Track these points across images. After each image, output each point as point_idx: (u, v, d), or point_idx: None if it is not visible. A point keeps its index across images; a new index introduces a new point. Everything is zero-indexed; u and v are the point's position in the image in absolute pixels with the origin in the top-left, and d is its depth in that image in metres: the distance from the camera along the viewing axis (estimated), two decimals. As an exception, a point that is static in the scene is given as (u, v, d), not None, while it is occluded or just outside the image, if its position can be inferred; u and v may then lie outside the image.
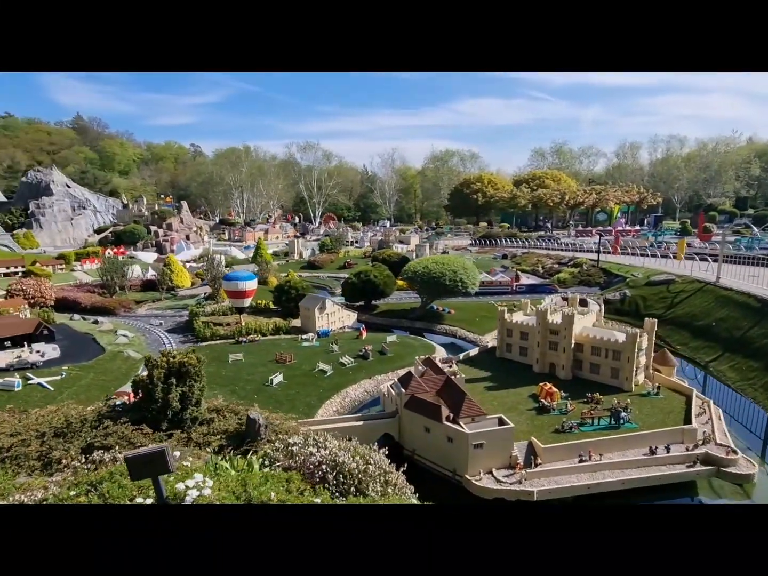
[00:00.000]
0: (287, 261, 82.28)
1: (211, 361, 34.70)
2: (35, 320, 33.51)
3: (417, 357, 33.52)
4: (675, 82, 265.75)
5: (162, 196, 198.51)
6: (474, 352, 37.01)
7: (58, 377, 28.21)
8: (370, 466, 16.45)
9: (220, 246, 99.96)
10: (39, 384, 27.06)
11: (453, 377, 26.50)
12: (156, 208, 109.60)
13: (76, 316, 41.47)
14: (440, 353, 38.56)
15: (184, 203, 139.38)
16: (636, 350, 29.41)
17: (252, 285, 42.10)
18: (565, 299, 42.21)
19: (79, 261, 65.04)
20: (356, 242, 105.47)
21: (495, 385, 30.73)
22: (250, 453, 17.12)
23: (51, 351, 31.74)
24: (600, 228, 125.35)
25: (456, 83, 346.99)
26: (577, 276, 61.71)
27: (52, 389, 26.67)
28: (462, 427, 22.46)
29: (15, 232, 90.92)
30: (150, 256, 76.41)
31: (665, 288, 48.52)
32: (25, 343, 31.66)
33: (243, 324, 41.79)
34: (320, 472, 15.29)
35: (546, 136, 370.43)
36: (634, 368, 29.36)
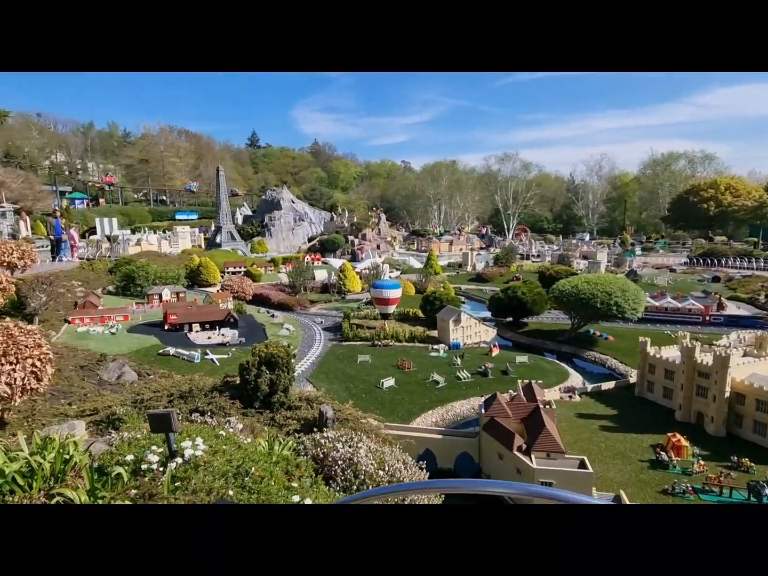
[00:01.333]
0: (457, 273, 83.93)
1: (344, 359, 39.05)
2: (226, 310, 43.24)
3: (520, 381, 31.38)
4: None
5: (374, 208, 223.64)
6: (609, 385, 32.30)
7: (226, 356, 36.11)
8: (381, 472, 17.63)
9: (404, 256, 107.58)
10: (211, 359, 35.29)
11: (547, 407, 24.25)
12: (355, 219, 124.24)
13: (262, 310, 51.48)
14: (574, 381, 34.86)
15: (382, 215, 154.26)
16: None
17: (395, 293, 45.28)
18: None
19: (284, 264, 79.32)
20: (537, 256, 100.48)
21: (613, 426, 26.53)
22: (285, 434, 19.71)
23: (232, 335, 40.61)
24: None
25: (698, 73, 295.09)
26: (810, 309, 46.96)
27: (218, 364, 34.42)
28: (531, 461, 20.62)
29: (254, 239, 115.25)
30: (339, 262, 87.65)
31: None
32: (216, 327, 41.42)
33: (386, 329, 45.34)
34: (336, 467, 17.24)
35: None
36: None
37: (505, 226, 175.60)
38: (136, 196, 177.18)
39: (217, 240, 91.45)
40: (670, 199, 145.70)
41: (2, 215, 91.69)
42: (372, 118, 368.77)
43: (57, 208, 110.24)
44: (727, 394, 24.82)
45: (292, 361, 24.51)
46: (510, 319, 49.80)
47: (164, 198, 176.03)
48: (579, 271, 66.60)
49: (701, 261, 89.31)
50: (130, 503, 5.81)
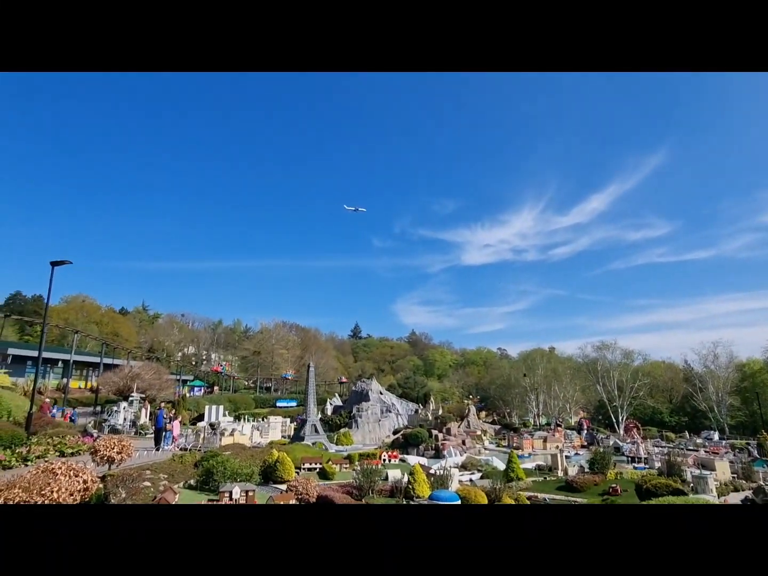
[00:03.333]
0: (545, 478, 75.81)
1: None
2: (278, 515, 43.25)
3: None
4: None
5: (470, 396, 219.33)
6: None
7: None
8: None
9: (493, 452, 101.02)
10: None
11: None
12: (440, 412, 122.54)
13: (320, 514, 50.16)
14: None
15: (472, 407, 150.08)
16: None
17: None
18: None
19: (359, 461, 78.55)
20: (643, 460, 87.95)
21: None
22: None
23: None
24: None
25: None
26: None
27: None
28: None
29: (340, 431, 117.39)
30: (417, 460, 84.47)
31: None
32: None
33: (444, 548, 41.36)
34: None
35: None
36: None
37: (614, 420, 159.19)
38: (246, 383, 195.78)
39: (301, 433, 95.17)
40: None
41: (130, 404, 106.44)
42: (468, 308, 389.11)
43: (176, 396, 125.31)
44: None
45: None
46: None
47: (269, 386, 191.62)
48: (680, 487, 56.80)
49: None
50: (130, 503, 5.60)
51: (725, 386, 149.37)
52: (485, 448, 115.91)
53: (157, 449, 75.68)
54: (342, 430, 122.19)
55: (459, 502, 43.60)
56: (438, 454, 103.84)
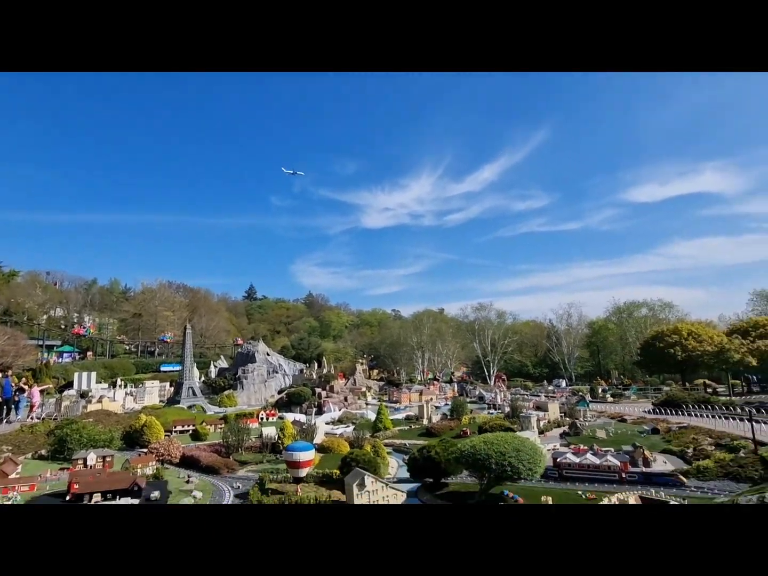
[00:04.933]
0: (410, 427, 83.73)
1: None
2: (130, 478, 43.54)
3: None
4: None
5: (364, 356, 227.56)
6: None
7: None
8: None
9: (370, 409, 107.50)
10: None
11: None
12: (325, 371, 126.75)
13: (183, 474, 51.28)
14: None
15: (358, 366, 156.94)
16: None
17: (307, 456, 45.86)
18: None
19: (234, 421, 79.94)
20: (498, 406, 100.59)
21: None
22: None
23: (127, 505, 40.37)
24: None
25: (665, 227, 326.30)
26: (725, 465, 46.55)
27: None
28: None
29: (225, 392, 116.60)
30: (296, 417, 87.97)
31: (826, 498, 33.33)
32: (118, 496, 41.38)
33: (299, 493, 45.06)
34: None
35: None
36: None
37: (486, 374, 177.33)
38: (127, 347, 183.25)
39: (177, 397, 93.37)
40: (638, 345, 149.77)
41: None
42: (368, 270, 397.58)
43: (39, 363, 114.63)
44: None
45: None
46: (431, 480, 49.39)
47: (153, 350, 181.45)
48: (511, 426, 66.91)
49: (662, 410, 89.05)
50: (129, 503, 5.60)
51: (575, 341, 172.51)
52: (367, 403, 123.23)
53: (8, 421, 70.14)
54: (226, 392, 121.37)
55: (311, 452, 47.30)
56: (320, 411, 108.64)
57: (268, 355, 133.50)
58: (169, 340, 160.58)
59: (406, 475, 52.14)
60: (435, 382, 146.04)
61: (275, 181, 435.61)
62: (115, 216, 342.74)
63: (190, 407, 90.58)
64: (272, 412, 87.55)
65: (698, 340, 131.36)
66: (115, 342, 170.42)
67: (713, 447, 53.72)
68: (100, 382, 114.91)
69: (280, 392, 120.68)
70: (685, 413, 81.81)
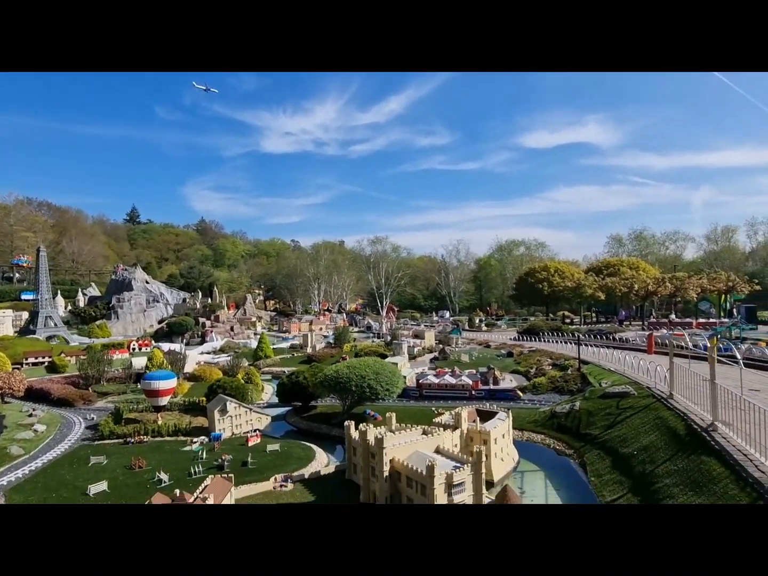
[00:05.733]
0: (293, 355, 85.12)
1: (76, 462, 36.27)
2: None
3: (275, 476, 32.56)
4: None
5: (261, 286, 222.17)
6: (329, 470, 34.28)
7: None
8: None
9: (244, 339, 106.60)
10: None
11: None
12: (210, 301, 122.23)
13: (27, 407, 47.62)
14: (318, 465, 36.42)
15: (249, 296, 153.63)
16: (441, 484, 25.18)
17: (167, 384, 44.74)
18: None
19: (101, 351, 74.87)
20: (383, 335, 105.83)
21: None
22: None
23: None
24: (678, 319, 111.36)
25: (548, 173, 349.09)
26: (555, 381, 54.54)
27: None
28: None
29: (97, 322, 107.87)
30: (172, 347, 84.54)
31: (616, 402, 40.75)
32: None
33: (158, 422, 44.24)
34: None
35: (652, 219, 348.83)
36: (436, 510, 24.98)
37: (379, 305, 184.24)
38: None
39: (32, 326, 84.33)
40: (514, 280, 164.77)
41: None
42: (266, 198, 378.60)
43: None
44: (386, 473, 27.72)
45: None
46: (300, 404, 51.23)
47: (11, 275, 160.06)
48: (383, 351, 71.09)
49: (525, 337, 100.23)
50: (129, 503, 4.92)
51: (461, 276, 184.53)
52: (255, 333, 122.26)
53: None
54: (98, 322, 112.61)
55: (173, 380, 46.01)
56: (204, 341, 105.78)
57: (147, 283, 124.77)
58: (26, 264, 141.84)
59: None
60: (326, 313, 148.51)
61: (159, 88, 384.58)
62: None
63: (49, 338, 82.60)
64: (145, 342, 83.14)
65: (562, 277, 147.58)
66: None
67: (551, 366, 62.08)
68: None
69: (160, 322, 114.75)
70: (540, 340, 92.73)
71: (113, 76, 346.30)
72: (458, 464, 27.06)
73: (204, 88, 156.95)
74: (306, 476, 33.03)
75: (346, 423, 33.66)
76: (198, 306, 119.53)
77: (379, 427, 32.52)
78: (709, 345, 29.33)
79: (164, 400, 45.10)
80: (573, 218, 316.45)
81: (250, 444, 39.51)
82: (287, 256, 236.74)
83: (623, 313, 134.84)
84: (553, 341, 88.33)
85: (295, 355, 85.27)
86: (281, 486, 31.54)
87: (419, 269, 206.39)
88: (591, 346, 65.97)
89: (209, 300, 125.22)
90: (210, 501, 24.33)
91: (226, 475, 28.82)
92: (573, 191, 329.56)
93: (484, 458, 33.51)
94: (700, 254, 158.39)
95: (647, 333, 74.14)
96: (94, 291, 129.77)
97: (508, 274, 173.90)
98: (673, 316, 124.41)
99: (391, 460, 27.97)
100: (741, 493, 20.16)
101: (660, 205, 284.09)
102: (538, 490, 34.83)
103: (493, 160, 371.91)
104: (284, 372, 72.58)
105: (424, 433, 31.29)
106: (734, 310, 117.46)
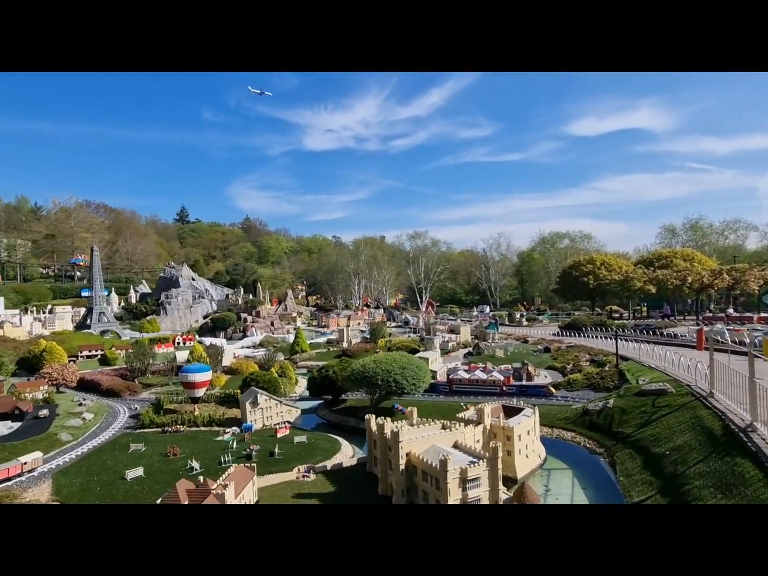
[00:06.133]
0: (329, 350, 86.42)
1: (117, 449, 38.71)
2: (11, 401, 42.85)
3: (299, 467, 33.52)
4: None
5: (304, 282, 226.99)
6: (352, 462, 34.69)
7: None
8: None
9: (283, 334, 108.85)
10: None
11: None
12: (251, 297, 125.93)
13: (78, 397, 50.93)
14: (343, 457, 37.01)
15: (290, 291, 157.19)
16: (455, 479, 24.93)
17: (203, 377, 46.69)
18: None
19: (148, 345, 78.96)
20: (419, 330, 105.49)
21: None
22: None
23: (4, 429, 40.04)
24: (736, 314, 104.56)
25: (596, 162, 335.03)
26: (590, 378, 52.49)
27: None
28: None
29: (147, 318, 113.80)
30: (216, 341, 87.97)
31: (652, 400, 38.74)
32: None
33: (195, 413, 46.30)
34: None
35: (712, 208, 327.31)
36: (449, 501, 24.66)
37: (419, 300, 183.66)
38: (43, 271, 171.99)
39: (87, 322, 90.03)
40: (558, 274, 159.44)
41: None
42: (309, 195, 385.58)
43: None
44: (402, 467, 27.74)
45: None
46: (330, 397, 52.08)
47: (72, 274, 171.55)
48: (415, 346, 70.80)
49: (566, 332, 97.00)
50: (129, 503, 5.08)
51: (502, 270, 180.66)
52: (295, 328, 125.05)
53: None
54: (148, 318, 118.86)
55: (208, 373, 47.71)
56: (245, 336, 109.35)
57: (193, 280, 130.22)
58: (82, 263, 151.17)
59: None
60: (365, 309, 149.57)
61: (204, 92, 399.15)
62: (8, 122, 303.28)
63: (103, 333, 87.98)
64: (189, 336, 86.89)
65: (609, 270, 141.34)
66: (27, 265, 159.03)
67: (588, 363, 59.85)
68: (10, 308, 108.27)
69: (205, 318, 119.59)
70: (583, 335, 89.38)
71: (157, 81, 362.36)
72: (475, 460, 26.73)
73: (259, 92, 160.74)
74: (328, 468, 33.68)
75: (366, 416, 33.96)
76: (240, 302, 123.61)
77: (399, 422, 32.65)
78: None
79: (200, 392, 47.16)
80: (624, 208, 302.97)
81: (279, 435, 40.65)
82: (328, 253, 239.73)
83: (667, 307, 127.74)
84: (594, 337, 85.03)
85: (331, 349, 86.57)
86: (303, 476, 32.31)
87: (460, 264, 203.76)
88: (633, 341, 62.95)
89: (250, 296, 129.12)
90: (231, 489, 25.30)
91: (249, 465, 29.87)
92: (623, 180, 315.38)
93: (507, 455, 33.05)
94: (765, 243, 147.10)
95: (697, 328, 70.03)
96: (145, 288, 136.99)
97: (551, 267, 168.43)
98: (731, 310, 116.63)
99: (407, 454, 28.01)
100: (770, 498, 18.85)
101: (721, 192, 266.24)
102: (564, 489, 33.81)
103: (537, 150, 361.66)
104: (319, 366, 74.14)
105: (443, 427, 31.12)
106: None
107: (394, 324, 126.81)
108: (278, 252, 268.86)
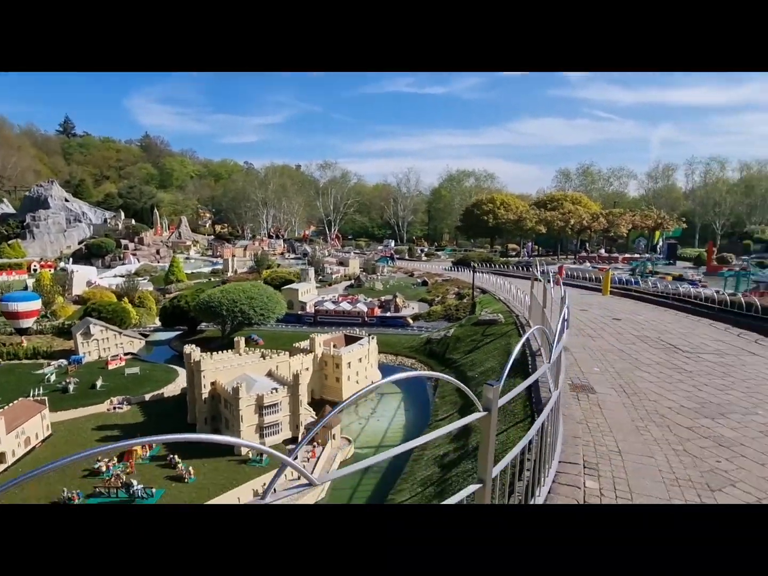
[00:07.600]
0: (209, 279, 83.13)
1: None
2: None
3: (111, 398, 31.90)
4: (760, 100, 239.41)
5: (211, 209, 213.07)
6: (175, 392, 34.15)
7: None
8: None
9: (192, 263, 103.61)
10: None
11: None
12: (133, 222, 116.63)
13: None
14: (175, 388, 36.21)
15: (184, 218, 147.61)
16: (250, 406, 25.21)
17: (29, 306, 42.49)
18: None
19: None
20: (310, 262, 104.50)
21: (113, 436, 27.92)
22: None
23: None
24: (606, 254, 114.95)
25: (515, 103, 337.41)
26: (448, 309, 55.38)
27: None
28: None
29: (10, 242, 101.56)
30: (89, 269, 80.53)
31: (483, 329, 41.80)
32: None
33: (24, 344, 42.59)
34: None
35: (614, 157, 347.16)
36: (241, 430, 25.05)
37: (328, 233, 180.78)
38: None
39: None
40: (461, 211, 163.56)
41: None
42: (220, 114, 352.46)
43: None
44: (205, 395, 27.57)
45: None
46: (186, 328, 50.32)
47: None
48: (291, 278, 70.11)
49: (457, 267, 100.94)
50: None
51: (410, 206, 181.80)
52: (187, 257, 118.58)
53: None
54: (10, 242, 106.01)
55: (35, 302, 43.56)
56: (124, 264, 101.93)
57: (66, 201, 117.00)
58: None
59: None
60: (265, 239, 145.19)
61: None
62: None
63: (-59, 256, 77.22)
64: (49, 263, 79.03)
65: (507, 210, 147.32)
66: None
67: (455, 296, 62.80)
68: None
69: (81, 243, 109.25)
70: (469, 270, 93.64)
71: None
72: (277, 386, 27.00)
73: None
74: (147, 398, 32.74)
75: (185, 347, 32.93)
76: (120, 227, 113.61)
77: (251, 350, 32.08)
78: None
79: (28, 323, 43.11)
80: (537, 152, 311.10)
81: (110, 367, 38.67)
82: (237, 179, 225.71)
83: (530, 245, 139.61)
84: (479, 273, 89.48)
85: (212, 279, 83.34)
86: (115, 408, 31.15)
87: (373, 197, 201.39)
88: (494, 275, 66.61)
89: (132, 221, 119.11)
90: (0, 423, 23.49)
91: (39, 398, 27.97)
92: (538, 123, 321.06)
93: (335, 381, 34.00)
94: (642, 192, 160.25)
95: (558, 265, 75.54)
96: (8, 208, 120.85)
97: (456, 205, 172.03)
98: (602, 251, 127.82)
99: (213, 383, 27.68)
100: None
101: (621, 142, 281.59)
102: (389, 410, 36.02)
103: (461, 85, 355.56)
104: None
105: (263, 356, 31.02)
106: (658, 246, 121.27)
107: (293, 255, 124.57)
108: (182, 176, 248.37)
